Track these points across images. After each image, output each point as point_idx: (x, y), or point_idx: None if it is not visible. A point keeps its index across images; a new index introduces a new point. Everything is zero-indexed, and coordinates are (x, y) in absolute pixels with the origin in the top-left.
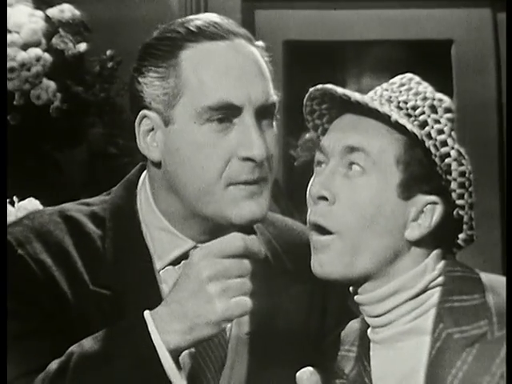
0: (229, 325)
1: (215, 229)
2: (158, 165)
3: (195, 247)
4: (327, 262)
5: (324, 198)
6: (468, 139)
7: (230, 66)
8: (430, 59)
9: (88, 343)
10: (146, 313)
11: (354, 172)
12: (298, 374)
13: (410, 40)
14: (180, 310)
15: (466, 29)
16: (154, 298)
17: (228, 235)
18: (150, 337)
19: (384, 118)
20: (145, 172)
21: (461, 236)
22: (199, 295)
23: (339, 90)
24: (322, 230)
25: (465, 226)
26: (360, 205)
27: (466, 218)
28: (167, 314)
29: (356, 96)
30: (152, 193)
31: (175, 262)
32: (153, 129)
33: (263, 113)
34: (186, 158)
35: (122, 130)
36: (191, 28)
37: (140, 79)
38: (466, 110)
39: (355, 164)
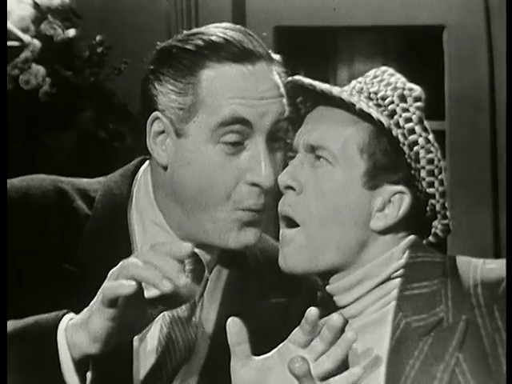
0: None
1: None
2: (163, 167)
3: None
4: (290, 255)
5: (291, 188)
6: (460, 125)
7: (248, 93)
8: (421, 45)
9: (12, 324)
10: (66, 316)
11: (321, 162)
12: (289, 361)
13: (402, 26)
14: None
15: (457, 14)
16: None
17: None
18: (56, 334)
19: (351, 108)
20: (146, 164)
21: (436, 225)
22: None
23: (306, 80)
24: (290, 222)
25: (438, 216)
26: (325, 194)
27: (438, 207)
28: (79, 319)
29: (322, 86)
30: (153, 189)
31: None
32: (164, 131)
33: (275, 135)
34: (196, 174)
35: (112, 114)
36: (213, 44)
37: (156, 85)
38: (458, 95)
39: (321, 157)
